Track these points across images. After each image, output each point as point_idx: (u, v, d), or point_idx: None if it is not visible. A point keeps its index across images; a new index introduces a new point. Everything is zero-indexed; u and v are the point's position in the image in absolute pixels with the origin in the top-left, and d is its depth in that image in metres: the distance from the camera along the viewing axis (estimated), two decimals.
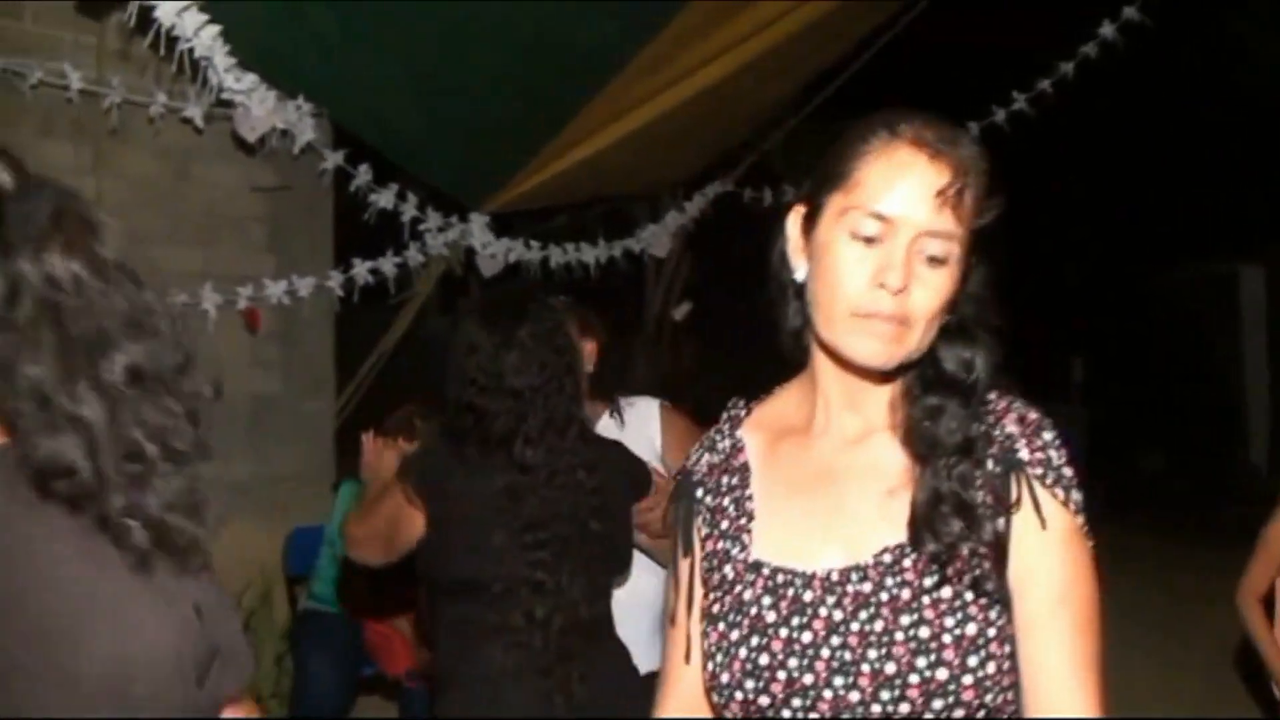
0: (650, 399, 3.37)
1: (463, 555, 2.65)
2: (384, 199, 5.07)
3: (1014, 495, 1.41)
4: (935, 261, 1.42)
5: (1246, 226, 12.37)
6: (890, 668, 1.37)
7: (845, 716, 1.38)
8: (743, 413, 1.65)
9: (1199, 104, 11.39)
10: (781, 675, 1.41)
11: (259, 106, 4.47)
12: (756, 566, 1.49)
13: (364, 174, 4.99)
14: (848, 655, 1.40)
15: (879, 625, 1.40)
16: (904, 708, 1.36)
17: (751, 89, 5.38)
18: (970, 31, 8.79)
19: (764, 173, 7.50)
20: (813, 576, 1.45)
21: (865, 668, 1.38)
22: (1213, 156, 11.76)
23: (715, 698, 1.48)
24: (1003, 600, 1.40)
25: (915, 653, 1.37)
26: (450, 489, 2.67)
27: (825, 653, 1.41)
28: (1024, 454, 1.42)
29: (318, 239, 5.51)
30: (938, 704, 1.36)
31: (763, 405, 1.65)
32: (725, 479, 1.59)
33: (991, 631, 1.39)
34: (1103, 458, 10.67)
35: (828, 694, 1.39)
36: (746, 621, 1.46)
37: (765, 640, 1.44)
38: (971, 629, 1.38)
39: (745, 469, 1.58)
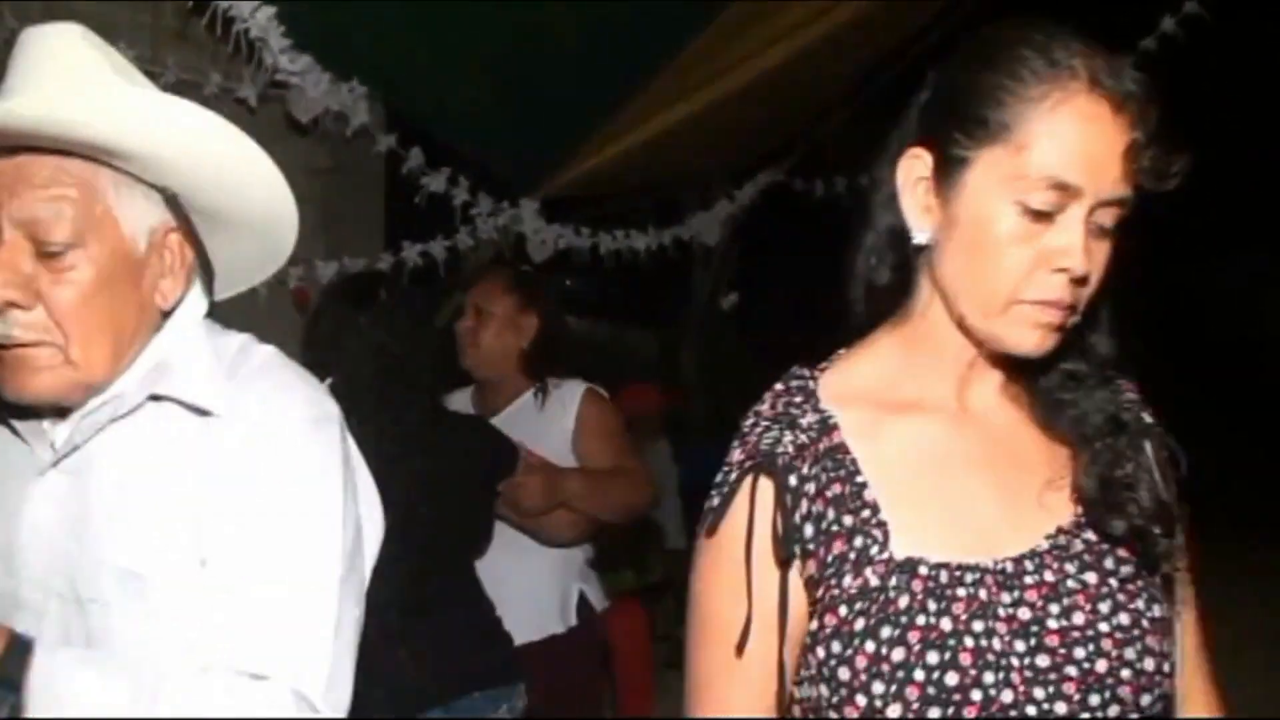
0: (579, 383, 3.32)
1: None
2: (435, 182, 5.08)
3: (1162, 463, 1.28)
4: (1103, 233, 1.23)
5: None
6: (1101, 665, 1.18)
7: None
8: (811, 382, 1.37)
9: (1260, 98, 11.24)
10: (977, 695, 1.17)
11: (313, 88, 4.49)
12: (908, 566, 1.22)
13: (416, 157, 5.00)
14: (1044, 660, 1.19)
15: (1079, 619, 1.20)
16: (1113, 709, 1.18)
17: (808, 75, 5.34)
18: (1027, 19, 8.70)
19: (816, 163, 7.46)
20: (984, 570, 1.22)
21: (1071, 670, 1.18)
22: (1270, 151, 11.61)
23: None
24: (1171, 580, 1.27)
25: (1121, 644, 1.19)
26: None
27: (1015, 661, 1.18)
28: (1152, 422, 1.31)
29: (369, 221, 5.52)
30: (1145, 700, 1.20)
31: (834, 373, 1.40)
32: (824, 463, 1.29)
33: (1162, 616, 1.25)
34: None
35: (1030, 710, 1.17)
36: (915, 635, 1.18)
37: (949, 655, 1.17)
38: (1158, 610, 1.23)
39: (843, 449, 1.29)
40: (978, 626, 1.18)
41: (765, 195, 7.02)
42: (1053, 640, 1.19)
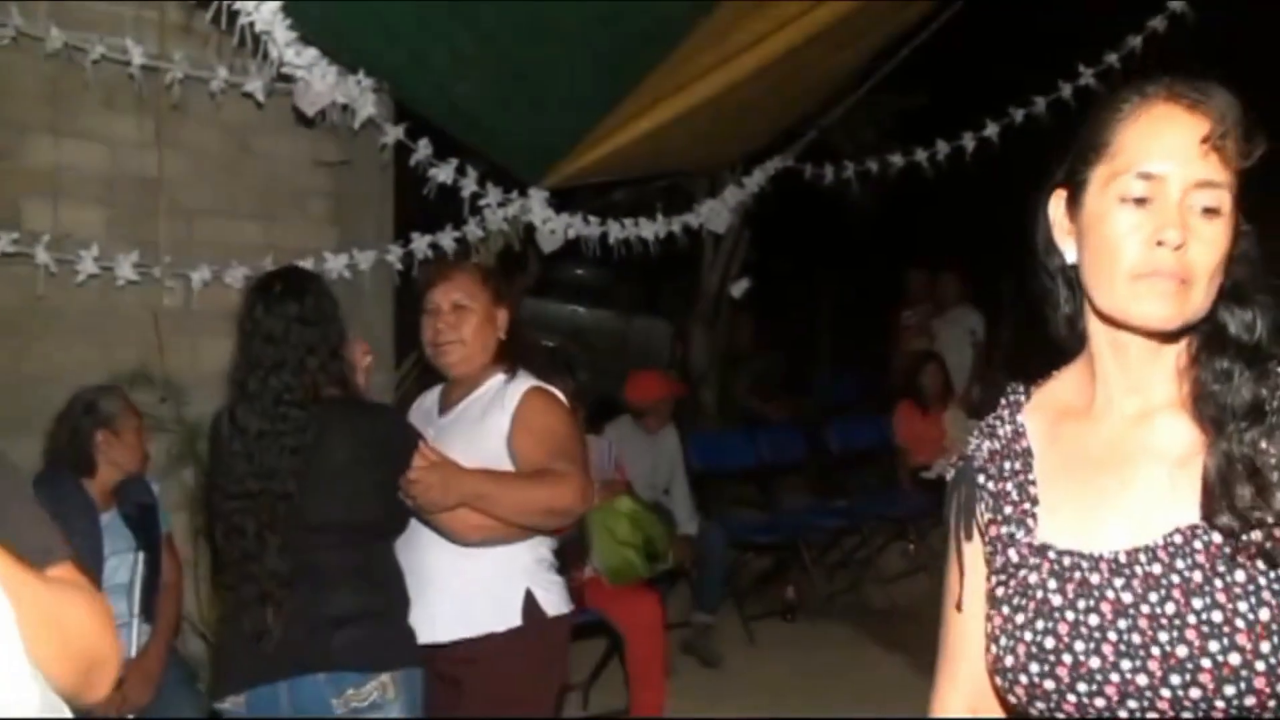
0: (528, 380, 3.24)
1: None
2: (444, 173, 5.09)
3: None
4: (1209, 213, 1.40)
5: None
6: (1182, 651, 1.33)
7: (1133, 701, 1.36)
8: (1022, 397, 1.62)
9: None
10: (1068, 659, 1.39)
11: (319, 81, 4.50)
12: (1042, 549, 1.47)
13: (424, 149, 5.01)
14: (1136, 638, 1.36)
15: (1170, 608, 1.36)
16: (1195, 692, 1.32)
17: (816, 60, 5.34)
18: (1036, 5, 8.67)
19: (825, 149, 7.46)
20: (1099, 558, 1.42)
21: (1155, 650, 1.35)
22: None
23: (999, 681, 1.47)
24: None
25: (1207, 637, 1.33)
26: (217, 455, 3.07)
27: (1113, 635, 1.38)
28: None
29: (378, 213, 5.54)
30: (1229, 690, 1.31)
31: (1042, 389, 1.63)
32: (1007, 464, 1.56)
33: None
34: None
35: (1114, 677, 1.37)
36: (1032, 605, 1.44)
37: (1051, 624, 1.42)
38: (1265, 614, 1.32)
39: (1027, 453, 1.56)
40: (1081, 604, 1.41)
41: (774, 182, 7.02)
42: (1144, 623, 1.37)
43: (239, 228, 5.05)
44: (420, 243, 5.28)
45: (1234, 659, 1.31)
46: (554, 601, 3.20)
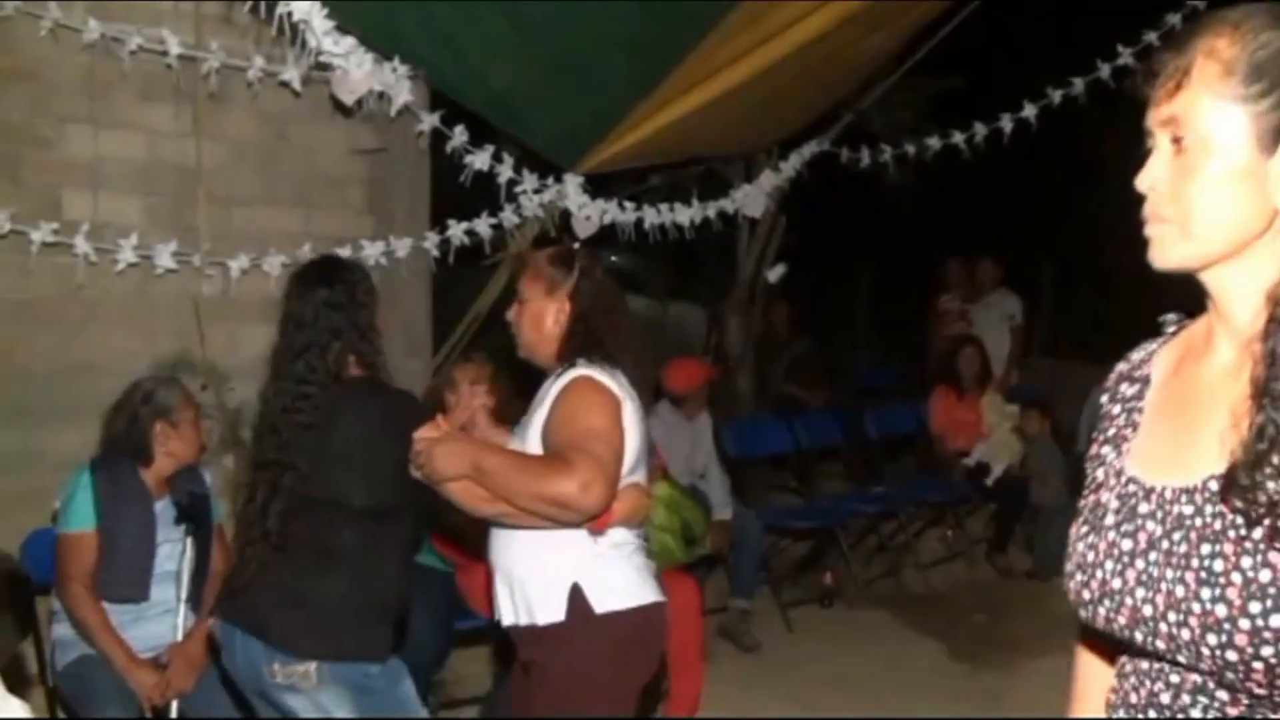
0: (580, 369, 3.08)
1: None
2: (480, 160, 5.10)
3: None
4: (1175, 144, 1.44)
5: None
6: (1179, 591, 1.38)
7: (1141, 629, 1.43)
8: (1170, 328, 1.63)
9: None
10: (1099, 575, 1.48)
11: (356, 69, 4.52)
12: (1120, 473, 1.54)
13: (460, 135, 5.02)
14: (1154, 571, 1.41)
15: (1182, 549, 1.40)
16: (1185, 634, 1.37)
17: (852, 43, 5.31)
18: None
19: (861, 133, 7.42)
20: (1152, 490, 1.47)
21: (1163, 586, 1.40)
22: None
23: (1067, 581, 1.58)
24: None
25: (1202, 583, 1.35)
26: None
27: (1139, 564, 1.44)
28: None
29: (415, 200, 5.55)
30: (1212, 639, 1.34)
31: (1188, 324, 1.61)
32: (1125, 387, 1.62)
33: None
34: None
35: (1129, 601, 1.44)
36: (1092, 520, 1.53)
37: (1096, 539, 1.50)
38: (1265, 575, 1.31)
39: (1145, 381, 1.60)
40: (1124, 528, 1.47)
41: (811, 166, 7.00)
42: (1161, 558, 1.42)
43: (276, 216, 5.07)
44: (456, 229, 5.29)
45: (1220, 610, 1.33)
46: (609, 597, 3.03)
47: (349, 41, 4.47)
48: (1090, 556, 1.49)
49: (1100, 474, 1.57)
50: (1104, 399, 1.64)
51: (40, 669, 3.95)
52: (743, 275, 8.01)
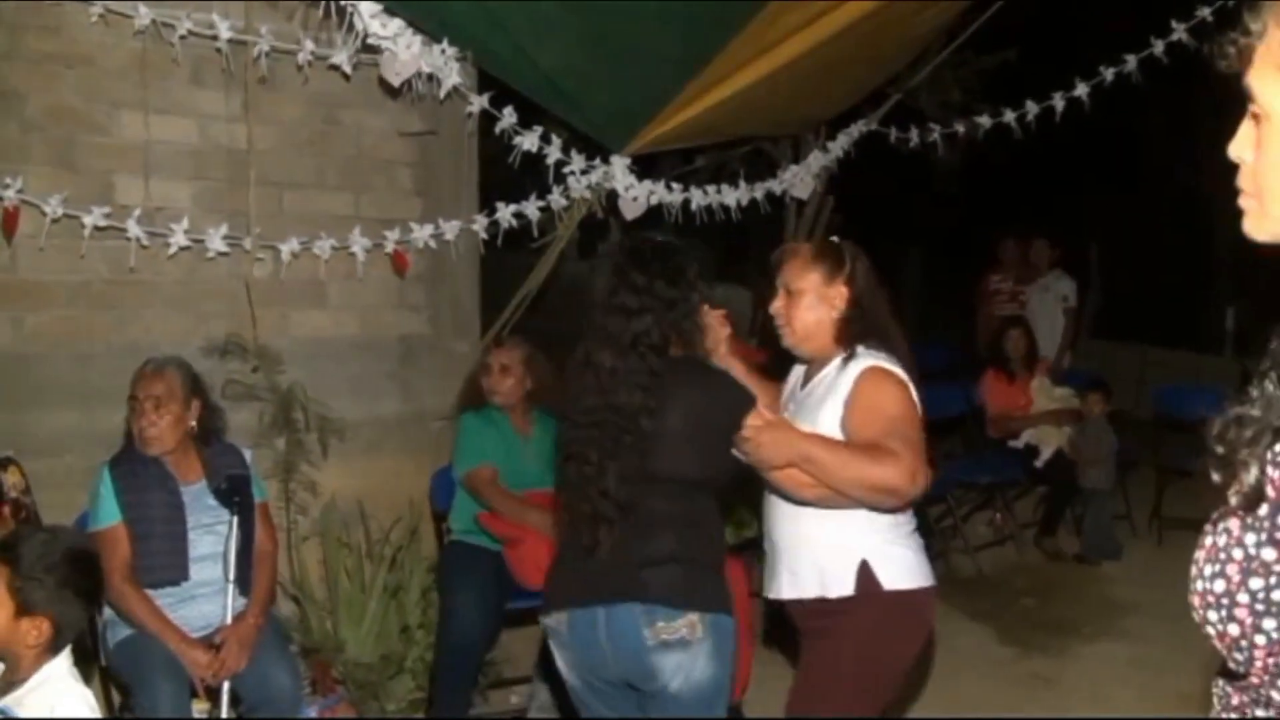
0: (866, 360, 3.28)
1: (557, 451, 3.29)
2: (528, 142, 5.10)
3: None
4: (1254, 118, 1.38)
5: None
6: (1192, 570, 1.39)
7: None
8: None
9: None
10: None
11: (404, 51, 4.53)
12: None
13: (508, 117, 5.03)
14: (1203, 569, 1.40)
15: (1222, 540, 1.38)
16: (1196, 615, 1.38)
17: (901, 19, 5.25)
18: None
19: (910, 112, 7.36)
20: None
21: (1200, 585, 1.39)
22: None
23: None
24: None
25: (1209, 560, 1.37)
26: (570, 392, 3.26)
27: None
28: None
29: (463, 182, 5.58)
30: (1213, 615, 1.36)
31: None
32: None
33: None
34: None
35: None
36: None
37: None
38: (1269, 554, 1.31)
39: None
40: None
41: (859, 146, 6.95)
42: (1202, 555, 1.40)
43: (326, 199, 5.10)
44: (505, 211, 5.30)
45: (1218, 586, 1.34)
46: (895, 575, 3.26)
47: (397, 24, 4.48)
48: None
49: None
50: None
51: (94, 647, 4.01)
52: None
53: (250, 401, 4.82)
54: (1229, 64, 1.36)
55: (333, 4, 4.34)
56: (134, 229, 4.41)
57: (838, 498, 3.16)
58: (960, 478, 7.55)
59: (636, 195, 5.62)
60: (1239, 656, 1.35)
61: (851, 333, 3.32)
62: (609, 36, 4.68)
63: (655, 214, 5.84)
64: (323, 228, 4.91)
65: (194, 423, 4.06)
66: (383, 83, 4.77)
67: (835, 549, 3.27)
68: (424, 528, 5.15)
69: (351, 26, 4.46)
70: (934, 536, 7.53)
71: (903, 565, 3.30)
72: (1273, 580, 1.30)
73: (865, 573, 3.24)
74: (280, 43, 4.65)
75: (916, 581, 3.31)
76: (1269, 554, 1.30)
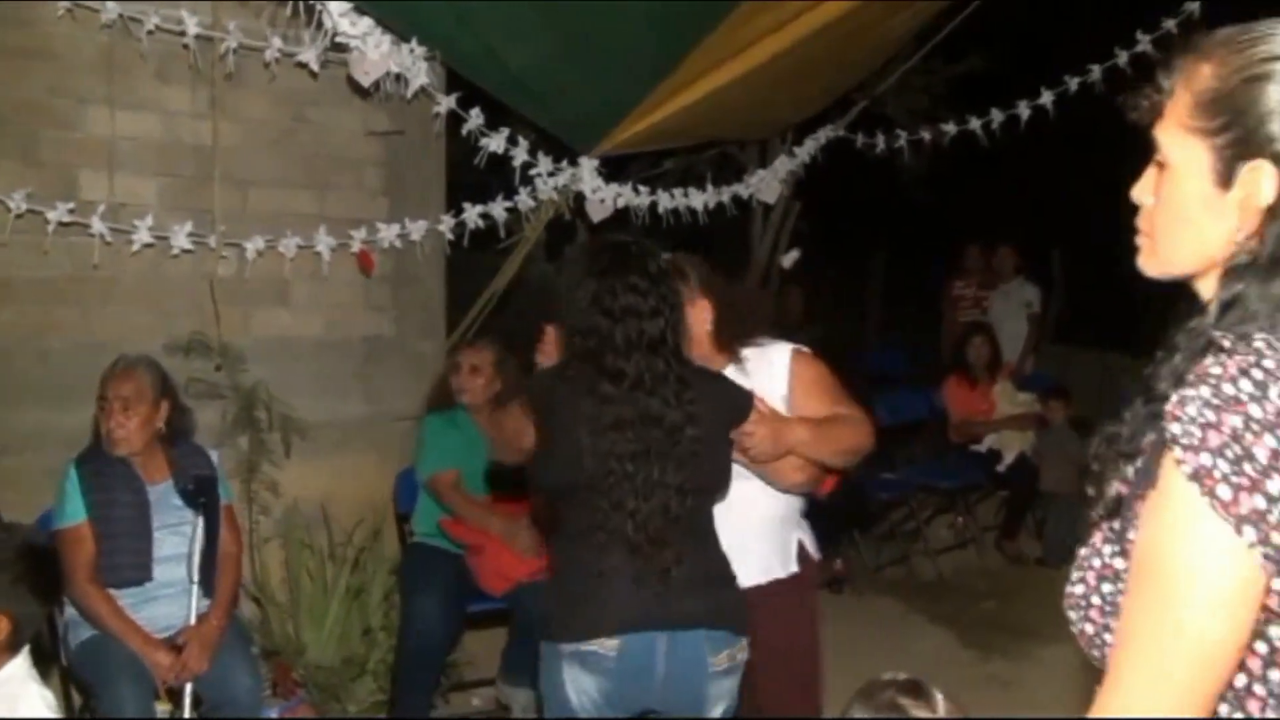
0: (783, 346, 3.45)
1: (561, 461, 2.97)
2: (495, 143, 5.09)
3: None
4: (1158, 166, 1.48)
5: None
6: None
7: None
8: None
9: None
10: None
11: (373, 50, 4.50)
12: None
13: (476, 118, 5.01)
14: None
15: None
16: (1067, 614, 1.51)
17: (870, 25, 5.27)
18: None
19: (877, 118, 7.40)
20: None
21: (1066, 589, 1.52)
22: None
23: None
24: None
25: (1078, 567, 1.50)
26: (553, 402, 3.00)
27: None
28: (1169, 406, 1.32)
29: (430, 183, 5.57)
30: (1073, 615, 1.49)
31: None
32: None
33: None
34: None
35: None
36: None
37: None
38: (1120, 563, 1.41)
39: None
40: None
41: (826, 151, 6.98)
42: None
43: (292, 197, 5.08)
44: (471, 212, 5.29)
45: (1079, 590, 1.47)
46: (812, 546, 3.55)
47: (366, 22, 4.46)
48: None
49: None
50: None
51: (54, 647, 3.98)
52: (757, 260, 8.01)
53: (213, 400, 4.79)
54: (1139, 115, 1.49)
55: (301, 2, 4.32)
56: (98, 225, 4.37)
57: (817, 477, 3.36)
58: (922, 481, 7.60)
59: (604, 198, 5.62)
60: (1095, 654, 1.45)
61: (728, 337, 3.41)
62: (579, 38, 4.68)
63: (622, 216, 5.84)
64: (288, 226, 4.88)
65: (162, 424, 4.04)
66: (350, 81, 4.75)
67: (781, 530, 3.45)
68: (387, 529, 5.13)
69: (320, 24, 4.44)
70: (897, 540, 7.58)
71: (810, 536, 3.56)
72: (1120, 585, 1.39)
73: (801, 548, 3.50)
74: (248, 39, 4.62)
75: (818, 552, 3.61)
76: (1120, 563, 1.40)
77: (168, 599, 3.95)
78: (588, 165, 5.52)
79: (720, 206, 6.31)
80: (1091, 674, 1.41)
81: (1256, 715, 1.32)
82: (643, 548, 2.89)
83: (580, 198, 5.60)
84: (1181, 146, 1.42)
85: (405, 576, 4.77)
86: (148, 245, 4.53)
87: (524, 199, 5.40)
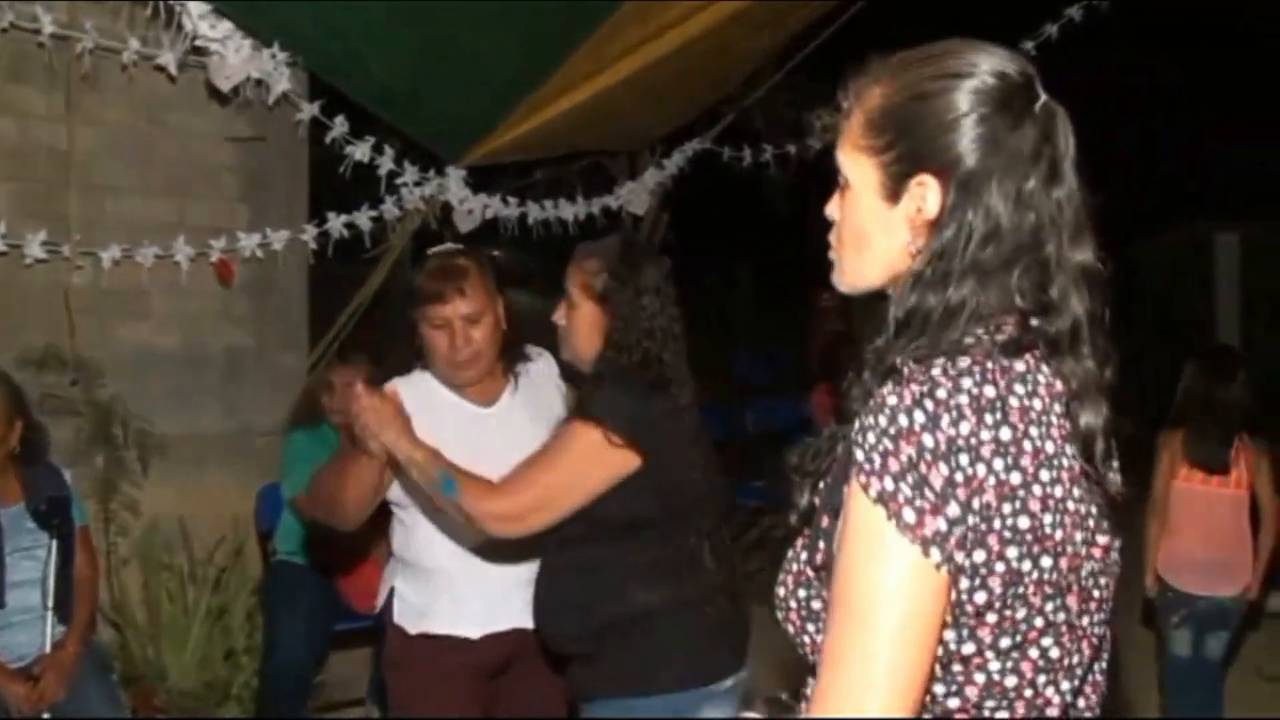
0: (545, 352, 3.27)
1: (670, 486, 2.77)
2: (360, 151, 4.99)
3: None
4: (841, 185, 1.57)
5: (1222, 194, 12.45)
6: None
7: None
8: None
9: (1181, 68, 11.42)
10: None
11: (233, 55, 4.41)
12: None
13: (340, 126, 4.92)
14: None
15: None
16: (790, 629, 1.56)
17: (737, 41, 5.33)
18: None
19: (744, 131, 7.46)
20: None
21: (773, 588, 1.58)
22: (1190, 125, 11.83)
23: None
24: None
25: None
26: (655, 423, 2.77)
27: None
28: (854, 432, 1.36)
29: (292, 191, 5.46)
30: (799, 651, 1.56)
31: None
32: None
33: None
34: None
35: None
36: None
37: None
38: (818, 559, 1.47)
39: None
40: None
41: (693, 164, 7.02)
42: None
43: (150, 205, 4.95)
44: (335, 222, 5.20)
45: (781, 591, 1.53)
46: None
47: (226, 26, 4.36)
48: None
49: None
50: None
51: None
52: None
53: (68, 416, 4.63)
54: (831, 136, 1.56)
55: (160, 3, 4.21)
56: None
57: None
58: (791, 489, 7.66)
59: (472, 208, 5.58)
60: (799, 651, 1.53)
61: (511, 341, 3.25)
62: (445, 46, 4.63)
63: (491, 227, 5.79)
64: (146, 235, 4.75)
65: (15, 443, 3.87)
66: (210, 86, 4.64)
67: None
68: (249, 547, 5.02)
69: (180, 27, 4.33)
70: (766, 548, 7.63)
71: None
72: (813, 591, 1.45)
73: None
74: (105, 40, 4.48)
75: None
76: (811, 571, 1.46)
77: (21, 626, 3.80)
78: (455, 175, 5.47)
79: (590, 217, 6.30)
80: None
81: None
82: (721, 568, 2.88)
83: (447, 208, 5.54)
84: (855, 165, 1.49)
85: (269, 596, 4.66)
86: (0, 254, 4.37)
87: (390, 208, 5.32)
